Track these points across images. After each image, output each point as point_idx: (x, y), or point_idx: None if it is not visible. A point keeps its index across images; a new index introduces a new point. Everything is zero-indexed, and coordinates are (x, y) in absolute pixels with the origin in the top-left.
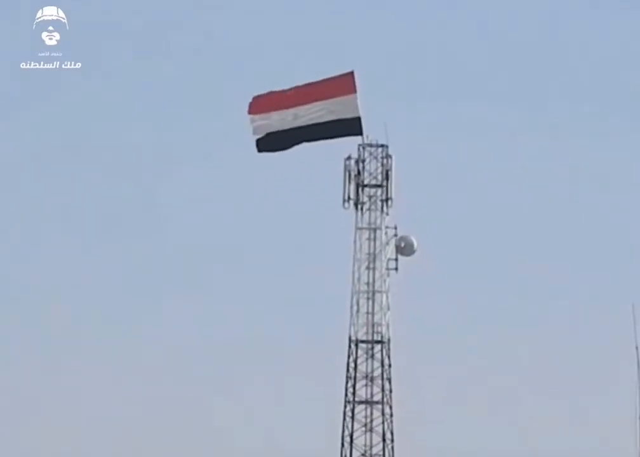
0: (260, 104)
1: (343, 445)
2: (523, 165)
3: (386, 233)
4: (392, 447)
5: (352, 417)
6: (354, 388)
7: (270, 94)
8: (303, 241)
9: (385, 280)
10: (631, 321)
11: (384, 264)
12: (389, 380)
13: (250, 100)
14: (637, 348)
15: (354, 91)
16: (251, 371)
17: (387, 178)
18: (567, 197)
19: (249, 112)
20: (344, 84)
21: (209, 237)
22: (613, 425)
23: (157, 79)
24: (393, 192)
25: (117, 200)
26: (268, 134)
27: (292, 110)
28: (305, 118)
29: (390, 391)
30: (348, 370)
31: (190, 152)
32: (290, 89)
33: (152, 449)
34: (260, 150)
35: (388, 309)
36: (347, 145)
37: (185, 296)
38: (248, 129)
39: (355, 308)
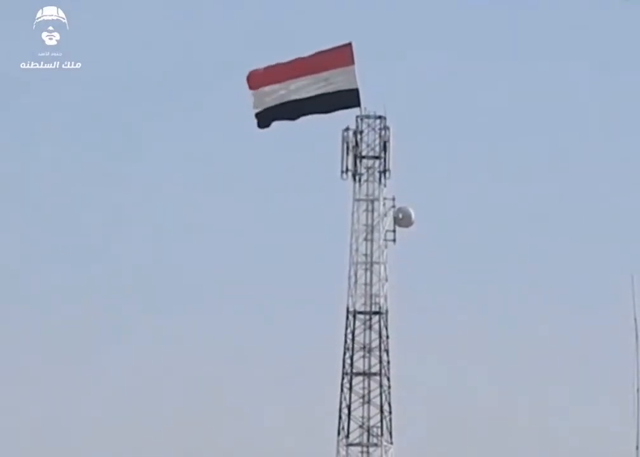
0: (259, 78)
1: (340, 417)
2: (520, 138)
3: (384, 204)
4: (390, 419)
5: (350, 389)
6: (352, 360)
7: (268, 67)
8: (301, 212)
9: (382, 252)
10: (630, 293)
11: (382, 236)
12: (387, 351)
13: (248, 74)
14: (635, 320)
15: (352, 62)
16: (248, 344)
17: (385, 150)
18: (567, 166)
19: (249, 87)
20: (342, 55)
21: (206, 211)
22: (611, 398)
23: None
24: (391, 163)
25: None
26: (267, 109)
27: (290, 83)
28: (303, 90)
29: (388, 362)
30: (346, 341)
31: (188, 137)
32: (288, 62)
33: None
34: (260, 126)
35: (386, 280)
36: (345, 116)
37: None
38: (248, 103)
39: (353, 279)
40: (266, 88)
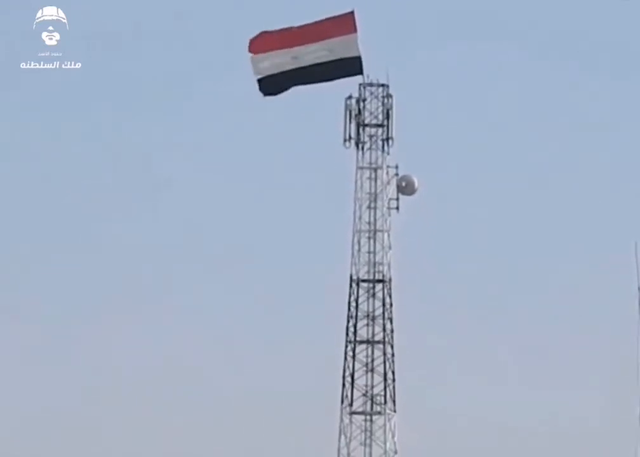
0: (261, 42)
1: (344, 385)
2: (523, 102)
3: (387, 172)
4: (393, 387)
5: (353, 357)
6: (355, 328)
7: (271, 32)
8: (304, 181)
9: (386, 220)
10: (633, 260)
11: (385, 204)
12: (390, 319)
13: (251, 37)
14: (638, 287)
15: (355, 30)
16: (250, 311)
17: (388, 118)
18: (570, 136)
19: (250, 51)
20: (344, 23)
21: (210, 179)
22: (614, 366)
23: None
24: (394, 131)
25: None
26: (269, 76)
27: (293, 50)
28: (305, 58)
29: (392, 330)
30: (349, 309)
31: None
32: (291, 28)
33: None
34: (264, 94)
35: (390, 248)
36: (348, 84)
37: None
38: (249, 68)
39: (356, 247)
40: (268, 54)
